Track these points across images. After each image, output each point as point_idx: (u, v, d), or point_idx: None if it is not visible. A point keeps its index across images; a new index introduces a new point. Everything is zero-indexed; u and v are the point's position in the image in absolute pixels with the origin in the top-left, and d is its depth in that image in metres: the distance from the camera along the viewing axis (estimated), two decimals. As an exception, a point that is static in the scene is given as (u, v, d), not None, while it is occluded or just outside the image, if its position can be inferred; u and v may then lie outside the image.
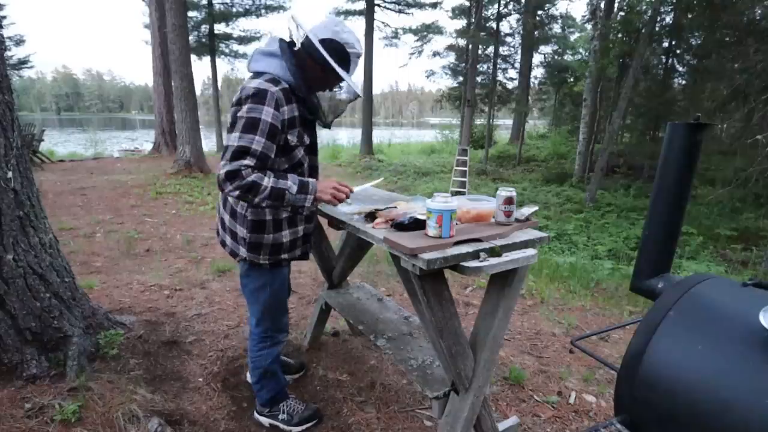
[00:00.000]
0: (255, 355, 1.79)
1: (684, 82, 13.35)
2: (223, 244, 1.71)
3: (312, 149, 1.61)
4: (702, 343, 0.85)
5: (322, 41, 1.43)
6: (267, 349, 1.78)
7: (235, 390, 2.11)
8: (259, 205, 1.40)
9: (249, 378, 2.10)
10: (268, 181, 1.35)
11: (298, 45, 1.50)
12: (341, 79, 1.51)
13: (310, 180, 1.47)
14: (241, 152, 1.34)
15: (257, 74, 1.47)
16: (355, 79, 1.56)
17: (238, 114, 1.38)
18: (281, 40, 1.52)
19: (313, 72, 1.49)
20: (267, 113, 1.37)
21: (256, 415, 1.92)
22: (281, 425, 1.87)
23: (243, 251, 1.60)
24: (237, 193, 1.34)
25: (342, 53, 1.45)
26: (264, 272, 1.65)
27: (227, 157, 1.35)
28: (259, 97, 1.37)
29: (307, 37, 1.46)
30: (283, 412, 1.88)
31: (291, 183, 1.39)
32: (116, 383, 1.90)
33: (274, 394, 1.87)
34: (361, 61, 1.68)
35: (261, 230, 1.56)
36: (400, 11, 18.40)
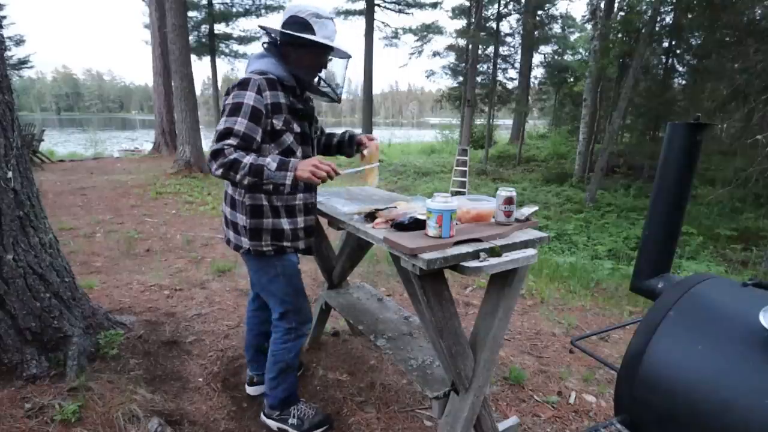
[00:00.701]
0: (278, 348, 1.76)
1: (684, 82, 13.35)
2: (228, 241, 1.71)
3: (304, 139, 1.64)
4: (702, 343, 0.85)
5: (283, 25, 1.55)
6: (292, 342, 1.76)
7: (235, 390, 2.11)
8: (241, 182, 1.43)
9: (249, 390, 2.09)
10: (248, 159, 1.40)
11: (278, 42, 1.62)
12: (325, 48, 1.56)
13: (291, 159, 1.47)
14: (225, 134, 1.43)
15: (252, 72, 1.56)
16: (339, 42, 1.60)
17: (226, 102, 1.50)
18: (264, 43, 1.63)
19: (293, 54, 1.57)
20: (249, 97, 1.46)
21: (263, 417, 1.87)
22: (291, 430, 1.82)
23: (245, 241, 1.61)
24: (221, 171, 1.39)
25: (300, 21, 1.52)
26: (271, 262, 1.65)
27: (213, 139, 1.45)
28: (242, 85, 1.48)
29: (278, 32, 1.57)
30: (294, 417, 1.82)
31: (270, 160, 1.42)
32: (116, 383, 1.90)
33: (288, 395, 1.83)
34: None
35: (259, 215, 1.59)
36: (400, 11, 18.42)
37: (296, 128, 1.59)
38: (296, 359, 1.81)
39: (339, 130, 1.94)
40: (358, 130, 1.94)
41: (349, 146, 1.88)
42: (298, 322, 1.76)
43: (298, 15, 1.52)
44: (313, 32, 1.52)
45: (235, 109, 1.45)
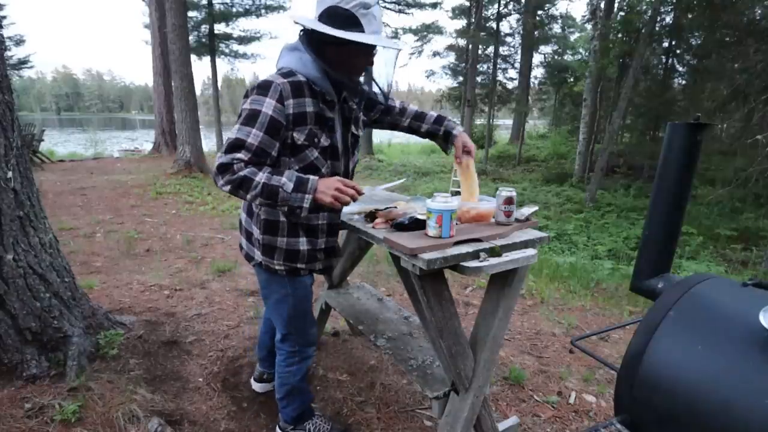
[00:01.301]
0: (283, 371, 1.68)
1: (684, 82, 13.36)
2: (241, 247, 1.62)
3: (334, 153, 1.43)
4: (702, 343, 0.85)
5: (320, 18, 1.28)
6: (296, 365, 1.67)
7: (235, 390, 2.11)
8: (253, 202, 1.29)
9: (255, 385, 2.08)
10: (261, 177, 1.23)
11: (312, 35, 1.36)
12: (367, 45, 1.30)
13: (311, 177, 1.27)
14: (236, 145, 1.25)
15: (278, 70, 1.37)
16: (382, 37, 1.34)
17: (243, 106, 1.31)
18: (301, 31, 1.38)
19: (334, 55, 1.33)
20: (269, 105, 1.26)
21: (278, 430, 1.84)
22: None
23: (258, 254, 1.50)
24: (228, 187, 1.24)
25: (343, 14, 1.25)
26: (282, 281, 1.53)
27: (223, 149, 1.27)
28: (263, 88, 1.28)
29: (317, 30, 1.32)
30: None
31: (286, 180, 1.24)
32: (116, 383, 1.90)
33: (300, 412, 1.77)
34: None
35: (274, 232, 1.45)
36: (400, 11, 18.38)
37: (323, 142, 1.38)
38: (303, 382, 1.72)
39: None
40: (459, 126, 1.67)
41: (444, 141, 1.72)
42: (301, 345, 1.66)
43: (340, 6, 1.24)
44: (360, 28, 1.25)
45: (251, 118, 1.26)
